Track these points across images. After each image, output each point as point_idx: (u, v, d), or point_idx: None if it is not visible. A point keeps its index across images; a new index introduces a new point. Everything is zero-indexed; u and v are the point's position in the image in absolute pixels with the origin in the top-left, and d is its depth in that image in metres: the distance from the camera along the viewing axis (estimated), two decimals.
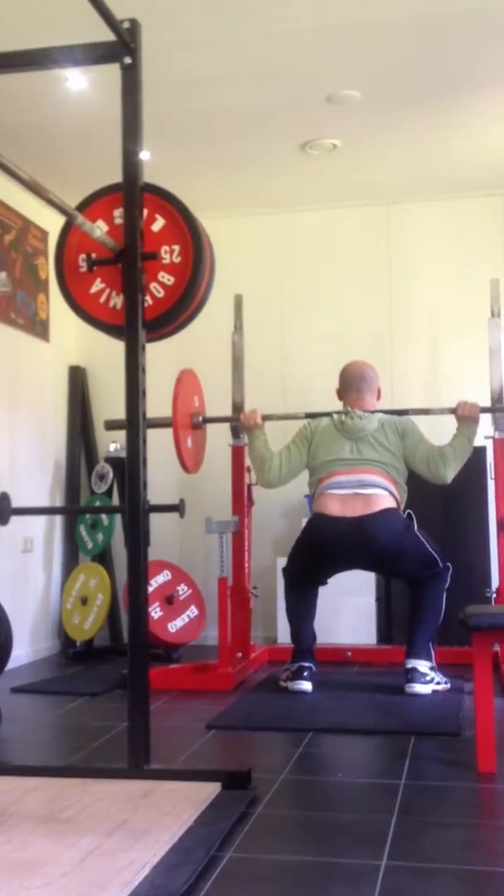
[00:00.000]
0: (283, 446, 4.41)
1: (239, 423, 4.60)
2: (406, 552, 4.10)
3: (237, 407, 4.77)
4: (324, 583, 4.32)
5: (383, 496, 4.11)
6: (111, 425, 4.00)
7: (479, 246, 5.39)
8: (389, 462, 4.21)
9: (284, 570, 4.36)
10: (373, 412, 4.31)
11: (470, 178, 5.22)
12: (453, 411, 4.34)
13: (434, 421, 4.63)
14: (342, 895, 2.00)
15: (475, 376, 5.03)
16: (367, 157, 4.96)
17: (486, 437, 4.54)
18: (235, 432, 4.74)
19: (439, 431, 4.51)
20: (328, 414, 4.37)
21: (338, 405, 4.44)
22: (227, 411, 4.75)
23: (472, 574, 4.86)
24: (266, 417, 4.50)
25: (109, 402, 5.63)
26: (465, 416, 4.30)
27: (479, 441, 4.76)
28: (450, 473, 4.22)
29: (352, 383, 4.40)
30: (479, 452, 4.96)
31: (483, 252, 5.35)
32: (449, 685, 4.06)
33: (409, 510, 4.22)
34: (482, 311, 4.76)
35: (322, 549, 4.18)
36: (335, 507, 4.11)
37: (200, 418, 4.51)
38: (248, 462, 4.75)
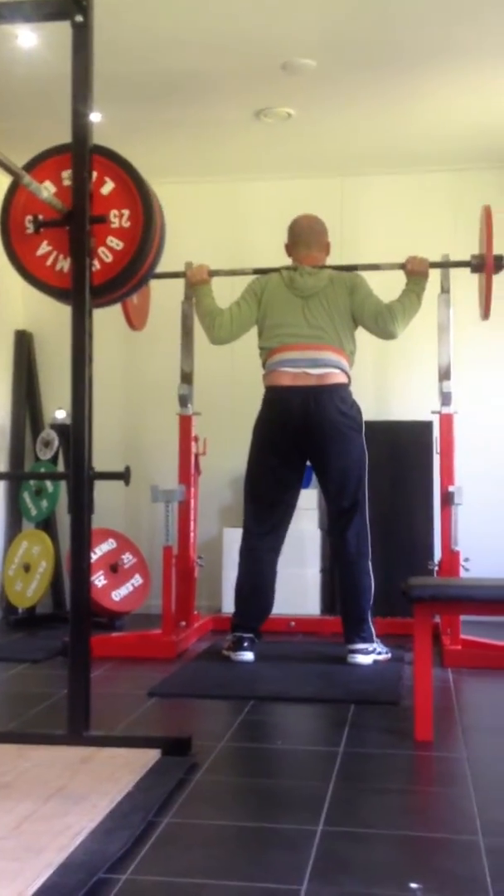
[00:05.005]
0: (233, 302, 4.34)
1: (186, 278, 4.52)
2: (346, 441, 4.09)
3: (186, 377, 4.72)
4: (282, 503, 4.25)
5: (335, 374, 4.12)
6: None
7: (431, 221, 5.39)
8: (341, 328, 4.17)
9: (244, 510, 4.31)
10: (322, 268, 4.28)
11: (424, 152, 5.22)
12: (403, 266, 4.33)
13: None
14: (279, 860, 2.02)
15: (424, 351, 5.04)
16: (322, 128, 4.93)
17: (433, 413, 4.57)
18: (183, 401, 4.70)
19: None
20: (277, 270, 4.32)
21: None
22: (177, 380, 4.70)
23: (416, 547, 4.92)
24: (213, 273, 4.45)
25: (56, 367, 5.56)
26: (415, 272, 4.29)
27: (424, 416, 4.81)
28: (398, 329, 4.21)
29: (301, 236, 4.34)
30: (426, 427, 5.00)
31: (434, 227, 5.35)
32: (390, 655, 4.11)
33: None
34: (432, 287, 4.77)
35: (276, 422, 4.14)
36: (287, 379, 4.12)
37: None
38: (195, 432, 4.73)
